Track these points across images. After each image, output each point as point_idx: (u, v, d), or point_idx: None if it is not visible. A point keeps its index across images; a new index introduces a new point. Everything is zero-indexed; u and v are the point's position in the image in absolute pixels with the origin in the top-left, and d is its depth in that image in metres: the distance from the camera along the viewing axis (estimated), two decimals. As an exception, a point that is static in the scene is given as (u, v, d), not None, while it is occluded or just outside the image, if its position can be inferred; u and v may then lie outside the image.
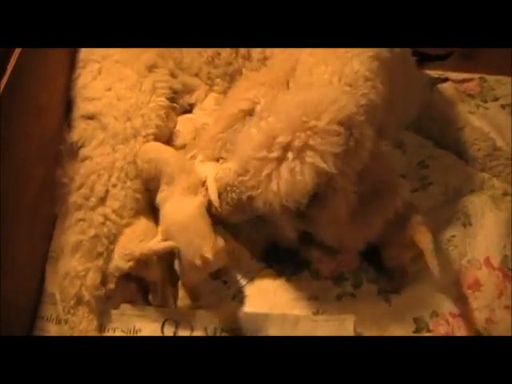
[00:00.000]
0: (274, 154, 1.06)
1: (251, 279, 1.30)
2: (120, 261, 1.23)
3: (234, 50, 1.50)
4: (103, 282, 1.24)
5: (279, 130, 1.07)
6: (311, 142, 1.05)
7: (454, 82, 1.71)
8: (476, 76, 1.74)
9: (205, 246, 1.16)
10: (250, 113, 1.26)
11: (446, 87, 1.69)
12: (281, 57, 1.40)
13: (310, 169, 1.05)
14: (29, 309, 1.23)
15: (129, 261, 1.22)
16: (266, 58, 1.46)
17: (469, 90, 1.71)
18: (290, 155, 1.06)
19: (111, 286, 1.24)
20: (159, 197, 1.30)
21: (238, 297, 1.27)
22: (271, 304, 1.26)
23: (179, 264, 1.24)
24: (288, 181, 1.06)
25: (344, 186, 1.10)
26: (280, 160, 1.07)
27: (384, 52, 1.23)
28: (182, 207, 1.23)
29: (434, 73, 1.73)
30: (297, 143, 1.06)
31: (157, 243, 1.21)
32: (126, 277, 1.26)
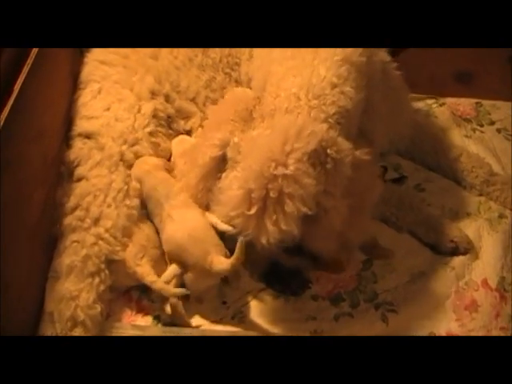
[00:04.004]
0: (253, 211, 1.11)
1: (250, 299, 1.37)
2: (123, 277, 1.32)
3: (228, 74, 1.58)
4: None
5: (252, 184, 1.11)
6: (286, 189, 1.09)
7: (450, 107, 1.80)
8: (472, 100, 1.83)
9: (219, 251, 1.27)
10: (222, 158, 1.27)
11: (443, 111, 1.79)
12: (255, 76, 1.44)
13: (293, 216, 1.09)
14: (29, 327, 1.29)
15: (130, 278, 1.32)
16: (250, 80, 1.50)
17: (465, 114, 1.80)
18: (269, 207, 1.10)
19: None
20: (155, 222, 1.39)
21: (237, 317, 1.34)
22: (269, 324, 1.33)
23: (188, 277, 1.30)
24: (275, 231, 1.10)
25: (333, 205, 1.15)
26: (261, 213, 1.11)
27: (355, 56, 1.27)
28: (188, 224, 1.31)
29: (430, 97, 1.83)
30: (272, 194, 1.09)
31: (169, 289, 1.29)
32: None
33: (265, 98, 1.29)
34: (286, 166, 1.10)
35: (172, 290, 1.29)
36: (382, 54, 1.42)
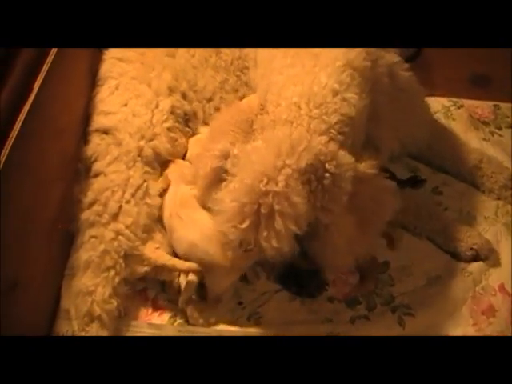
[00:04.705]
0: (245, 225, 1.08)
1: (266, 300, 1.37)
2: (136, 265, 1.33)
3: (238, 77, 1.59)
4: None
5: (244, 198, 1.09)
6: (276, 206, 1.06)
7: (468, 109, 1.80)
8: (490, 103, 1.83)
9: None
10: (222, 169, 1.25)
11: (460, 114, 1.78)
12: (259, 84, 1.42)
13: (283, 234, 1.07)
14: (44, 324, 1.30)
15: (145, 266, 1.33)
16: (256, 87, 1.50)
17: (483, 116, 1.79)
18: (262, 222, 1.08)
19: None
20: (164, 216, 1.40)
21: (253, 317, 1.34)
22: (285, 326, 1.33)
23: (210, 278, 1.32)
24: (267, 246, 1.09)
25: (332, 221, 1.12)
26: (254, 227, 1.09)
27: (358, 60, 1.24)
28: (197, 223, 1.32)
29: (448, 100, 1.82)
30: (263, 210, 1.07)
31: (182, 263, 1.31)
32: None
33: (266, 107, 1.27)
34: (276, 182, 1.08)
35: (185, 263, 1.30)
36: (389, 56, 1.40)
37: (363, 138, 1.27)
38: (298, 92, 1.20)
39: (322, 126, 1.16)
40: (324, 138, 1.14)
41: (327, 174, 1.10)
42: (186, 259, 1.33)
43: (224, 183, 1.22)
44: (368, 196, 1.17)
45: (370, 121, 1.29)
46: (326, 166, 1.11)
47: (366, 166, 1.18)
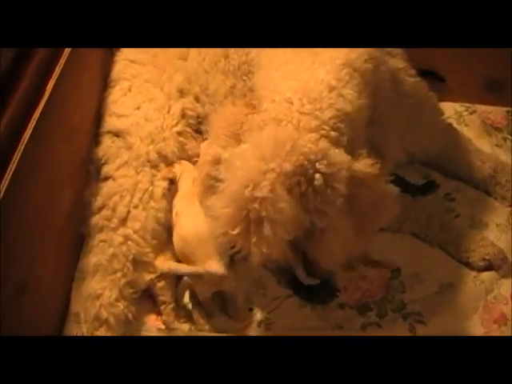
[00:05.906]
0: (237, 231, 1.05)
1: (277, 306, 1.37)
2: (143, 272, 1.34)
3: (245, 81, 1.57)
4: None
5: (232, 204, 1.06)
6: (264, 213, 1.03)
7: (480, 115, 1.78)
8: (503, 109, 1.81)
9: (220, 258, 1.27)
10: (211, 175, 1.21)
11: (473, 120, 1.77)
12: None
13: (272, 241, 1.04)
14: (54, 327, 1.31)
15: (151, 273, 1.33)
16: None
17: (496, 122, 1.78)
18: (251, 229, 1.04)
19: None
20: (174, 211, 1.41)
21: (264, 323, 1.34)
22: (296, 332, 1.32)
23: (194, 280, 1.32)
24: (258, 253, 1.06)
25: (329, 224, 1.08)
26: (245, 233, 1.05)
27: (359, 61, 1.21)
28: (198, 220, 1.31)
29: (461, 105, 1.80)
30: (251, 216, 1.04)
31: (185, 266, 1.31)
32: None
33: (260, 105, 1.23)
34: (260, 187, 1.04)
35: (190, 267, 1.29)
36: (393, 62, 1.38)
37: (362, 141, 1.22)
38: (293, 87, 1.16)
39: (313, 122, 1.11)
40: (314, 136, 1.09)
41: (317, 175, 1.05)
42: (181, 255, 1.34)
43: (219, 189, 1.18)
44: (367, 201, 1.12)
45: (372, 127, 1.26)
46: (317, 165, 1.05)
47: (364, 165, 1.12)
